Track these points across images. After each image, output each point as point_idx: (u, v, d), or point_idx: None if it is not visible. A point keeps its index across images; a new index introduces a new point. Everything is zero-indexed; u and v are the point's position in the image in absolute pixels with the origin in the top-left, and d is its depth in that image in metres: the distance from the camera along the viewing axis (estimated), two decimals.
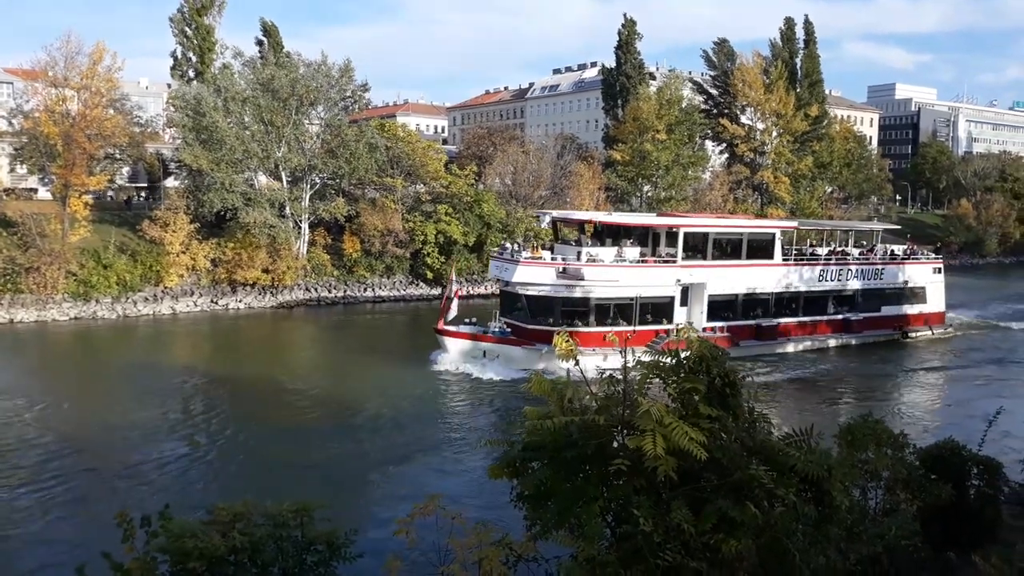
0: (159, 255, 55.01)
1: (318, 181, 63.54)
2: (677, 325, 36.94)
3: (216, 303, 56.09)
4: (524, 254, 38.99)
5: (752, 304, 42.31)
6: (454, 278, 39.51)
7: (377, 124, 69.94)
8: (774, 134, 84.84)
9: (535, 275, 37.56)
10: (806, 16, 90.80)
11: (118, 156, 60.53)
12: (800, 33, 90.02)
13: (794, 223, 49.84)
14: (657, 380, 7.13)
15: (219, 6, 66.39)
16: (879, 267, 47.33)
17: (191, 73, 66.20)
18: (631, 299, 38.40)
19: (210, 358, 42.29)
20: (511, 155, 70.41)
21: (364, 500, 23.02)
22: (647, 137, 75.10)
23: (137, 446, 27.10)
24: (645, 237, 41.75)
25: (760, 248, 43.11)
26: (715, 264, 41.15)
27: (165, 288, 55.36)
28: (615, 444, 6.88)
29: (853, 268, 46.20)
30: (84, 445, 27.01)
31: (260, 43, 71.10)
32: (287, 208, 60.13)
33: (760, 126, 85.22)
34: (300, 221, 61.25)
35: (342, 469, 25.12)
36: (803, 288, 43.87)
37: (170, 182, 70.78)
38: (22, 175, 66.21)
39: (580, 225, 43.56)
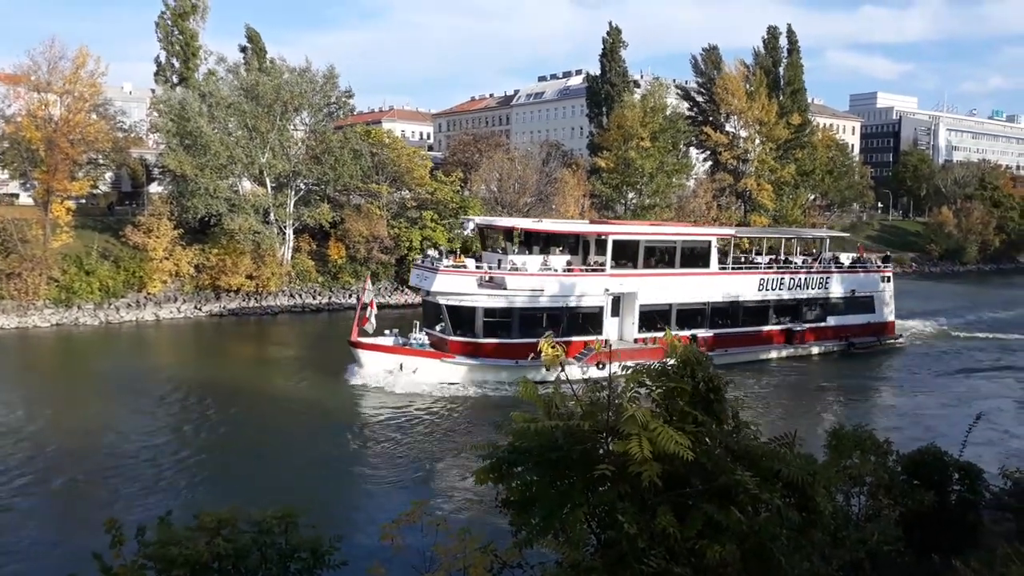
0: (142, 261, 54.66)
1: (303, 187, 63.40)
2: (606, 337, 36.71)
3: (200, 309, 55.77)
4: (445, 262, 37.38)
5: (687, 315, 40.87)
6: (370, 286, 37.28)
7: (362, 130, 69.92)
8: (757, 142, 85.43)
9: (455, 284, 36.06)
10: (789, 25, 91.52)
11: (101, 161, 60.16)
12: (783, 42, 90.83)
13: (731, 231, 48.48)
14: (643, 388, 7.15)
15: (202, 11, 66.29)
16: (823, 276, 46.09)
17: (175, 78, 65.98)
18: (558, 309, 37.09)
19: (191, 365, 41.96)
20: (497, 162, 70.54)
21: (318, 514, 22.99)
22: (631, 144, 75.40)
23: (116, 453, 26.88)
24: (576, 245, 40.50)
25: (695, 256, 41.89)
26: (647, 273, 39.82)
27: (148, 294, 54.97)
28: (600, 450, 6.90)
29: (795, 277, 44.90)
30: (64, 452, 26.82)
31: (244, 49, 70.98)
32: (271, 214, 59.95)
33: (743, 134, 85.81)
34: (285, 227, 61.07)
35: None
36: (742, 298, 42.56)
37: (154, 188, 70.39)
38: (3, 180, 65.67)
39: (506, 232, 41.77)
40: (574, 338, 36.39)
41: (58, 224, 52.20)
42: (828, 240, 51.75)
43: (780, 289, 44.07)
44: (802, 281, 44.99)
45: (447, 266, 36.68)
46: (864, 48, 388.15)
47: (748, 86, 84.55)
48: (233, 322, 54.88)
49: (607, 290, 38.18)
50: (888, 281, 49.06)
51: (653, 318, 39.40)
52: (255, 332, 52.81)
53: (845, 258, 49.50)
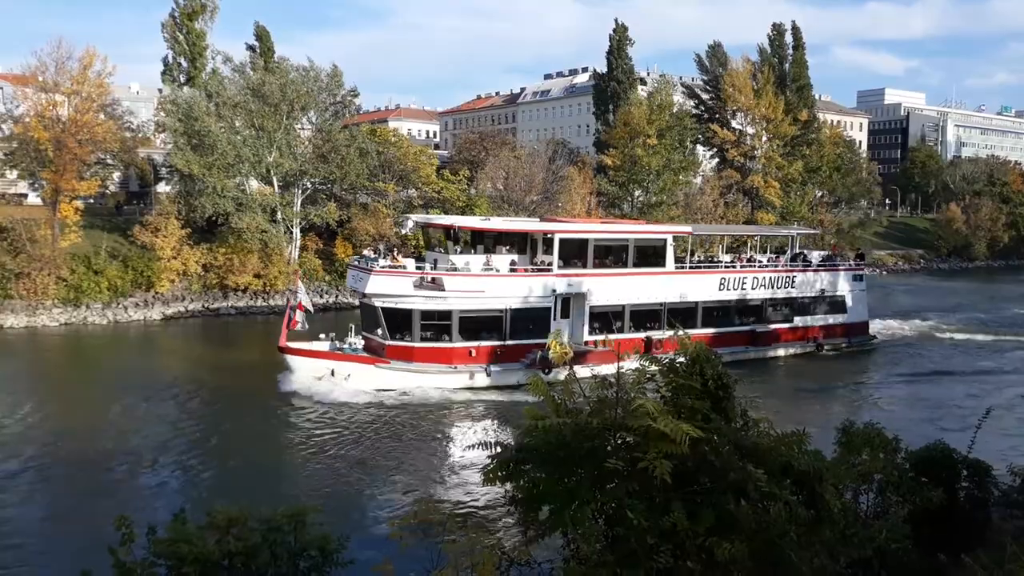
0: (150, 260, 54.83)
1: (309, 186, 63.49)
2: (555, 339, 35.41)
3: (208, 308, 55.92)
4: (382, 262, 35.42)
5: (642, 316, 39.19)
6: (299, 287, 35.20)
7: (368, 129, 69.96)
8: (764, 139, 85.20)
9: (391, 286, 34.27)
10: (794, 22, 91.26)
11: (109, 161, 60.36)
12: (789, 39, 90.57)
13: (688, 228, 46.72)
14: (651, 384, 7.16)
15: (211, 11, 66.40)
16: (790, 275, 44.24)
17: (182, 78, 66.11)
18: (500, 311, 35.42)
19: (197, 364, 41.89)
20: (503, 160, 70.49)
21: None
22: (638, 142, 75.28)
23: (123, 451, 26.98)
24: (524, 244, 38.63)
25: (649, 255, 40.27)
26: (597, 273, 38.20)
27: (156, 293, 55.15)
28: (608, 447, 6.92)
29: (760, 276, 43.09)
30: (73, 450, 26.86)
31: (252, 48, 71.05)
32: (279, 213, 60.07)
33: (750, 131, 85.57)
34: (291, 226, 61.18)
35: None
36: (702, 298, 40.86)
37: (161, 187, 70.60)
38: (12, 180, 65.93)
39: (447, 231, 39.47)
40: (518, 341, 35.36)
41: (66, 224, 52.36)
42: (797, 237, 50.12)
43: (743, 289, 42.37)
44: (767, 280, 43.23)
45: (383, 266, 34.85)
46: (870, 44, 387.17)
47: (754, 83, 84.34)
48: (241, 321, 55.01)
49: (554, 291, 36.62)
50: (861, 280, 47.35)
51: (605, 319, 38.08)
52: (262, 331, 52.85)
53: (816, 256, 47.89)
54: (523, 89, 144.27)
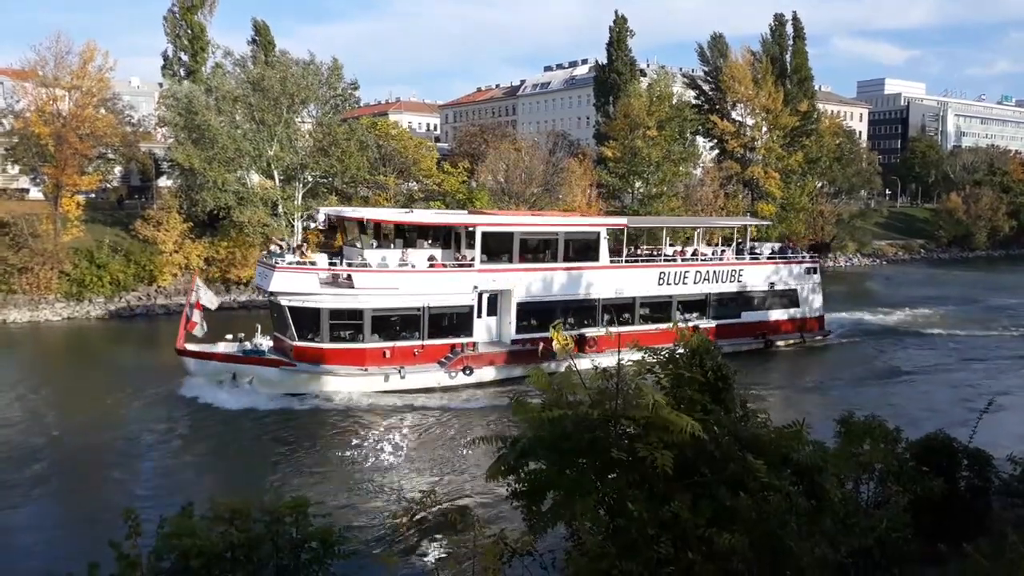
0: (152, 254, 54.91)
1: (310, 179, 63.39)
2: (476, 339, 34.62)
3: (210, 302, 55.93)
4: (289, 258, 33.41)
5: (574, 312, 37.67)
6: (197, 285, 32.81)
7: (369, 122, 69.81)
8: (764, 130, 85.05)
9: (297, 283, 32.07)
10: (795, 12, 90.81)
11: (110, 156, 60.36)
12: (789, 29, 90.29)
13: (623, 220, 44.45)
14: (650, 376, 7.18)
15: (210, 5, 66.28)
16: (736, 268, 42.41)
17: (183, 72, 66.04)
18: (417, 309, 33.58)
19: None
20: (503, 152, 70.36)
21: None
22: (638, 134, 75.18)
23: (126, 444, 27.24)
24: (448, 238, 36.94)
25: (582, 249, 38.41)
26: (523, 268, 36.35)
27: (159, 287, 55.26)
28: (610, 438, 6.95)
29: (703, 270, 41.29)
30: (76, 444, 27.02)
31: (253, 42, 70.94)
32: (280, 207, 60.04)
33: (750, 122, 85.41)
34: (293, 219, 61.15)
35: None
36: (639, 293, 39.17)
37: (163, 181, 70.58)
38: (13, 175, 65.94)
39: (360, 224, 37.16)
40: (437, 341, 33.87)
41: (68, 219, 52.39)
42: (749, 228, 48.42)
43: (684, 283, 40.62)
44: (710, 274, 41.45)
45: (290, 262, 32.80)
46: (869, 34, 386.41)
47: (755, 74, 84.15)
48: (244, 315, 55.03)
49: (475, 287, 34.84)
50: (815, 272, 45.40)
51: (534, 316, 36.33)
52: (266, 325, 52.99)
53: (767, 248, 46.26)
54: (523, 81, 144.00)
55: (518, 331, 35.92)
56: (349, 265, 33.48)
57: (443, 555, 8.17)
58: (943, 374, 39.13)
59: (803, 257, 46.41)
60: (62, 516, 21.62)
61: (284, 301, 32.15)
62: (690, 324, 38.10)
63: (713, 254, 43.94)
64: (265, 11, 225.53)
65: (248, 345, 33.24)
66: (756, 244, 46.80)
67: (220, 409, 29.89)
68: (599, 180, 75.69)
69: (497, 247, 36.41)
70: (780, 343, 43.03)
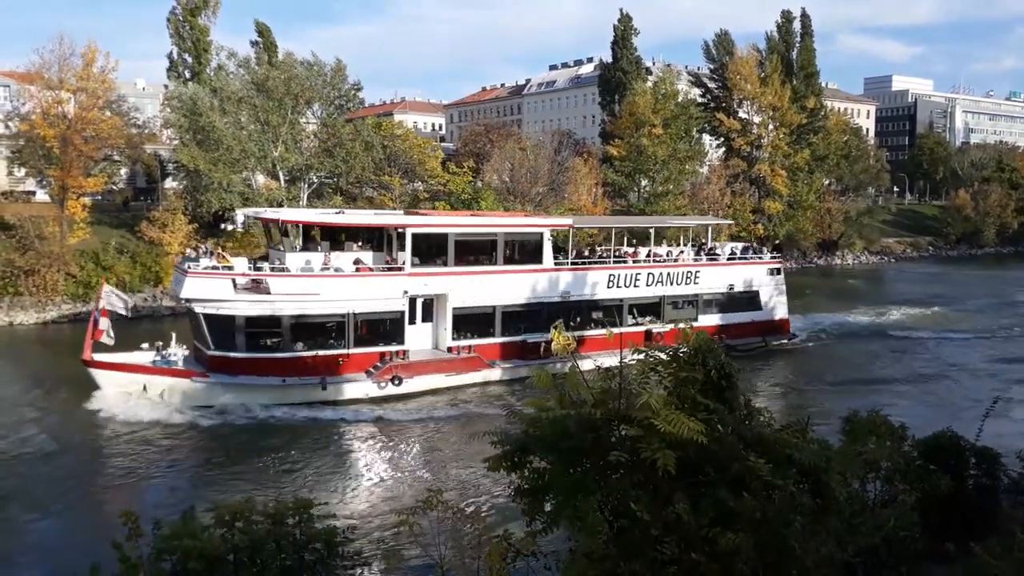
0: (158, 256, 55.05)
1: (315, 180, 63.55)
2: (408, 347, 32.85)
3: None
4: (204, 262, 31.48)
5: (516, 317, 35.80)
6: (104, 291, 30.83)
7: (373, 122, 69.92)
8: (770, 127, 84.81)
9: (210, 289, 30.17)
10: (803, 9, 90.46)
11: (116, 158, 60.56)
12: (797, 26, 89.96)
13: (568, 220, 42.42)
14: (654, 375, 7.12)
15: (213, 7, 66.39)
16: (692, 270, 40.64)
17: (187, 74, 66.20)
18: (342, 316, 31.70)
19: None
20: (508, 152, 70.37)
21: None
22: (643, 132, 75.07)
23: (129, 444, 27.07)
24: (380, 240, 35.07)
25: (524, 251, 36.82)
26: (459, 271, 34.50)
27: (164, 289, 55.35)
28: (613, 438, 6.90)
29: (656, 272, 39.49)
30: (79, 443, 27.12)
31: (256, 44, 71.09)
32: (285, 207, 60.13)
33: (756, 119, 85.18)
34: None
35: None
36: (588, 297, 37.63)
37: (168, 183, 70.80)
38: (20, 178, 66.20)
39: (281, 226, 35.05)
40: (364, 349, 32.05)
41: (74, 221, 52.58)
42: (711, 228, 47.00)
43: (636, 285, 38.93)
44: (664, 276, 39.72)
45: (206, 267, 30.95)
46: (876, 31, 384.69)
47: (761, 71, 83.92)
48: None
49: (406, 292, 33.05)
50: (778, 273, 43.68)
51: (472, 323, 34.90)
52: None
53: (727, 248, 44.64)
54: (528, 80, 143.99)
55: (455, 338, 34.23)
56: (272, 270, 31.73)
57: (447, 555, 8.12)
58: (915, 382, 36.90)
59: (762, 258, 44.80)
60: None
61: (198, 308, 30.46)
62: (641, 329, 37.32)
63: (668, 255, 42.16)
64: (271, 13, 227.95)
65: (166, 355, 31.36)
66: (717, 244, 45.45)
67: (126, 422, 28.10)
68: (605, 179, 75.61)
69: (430, 250, 34.56)
70: (740, 347, 39.39)
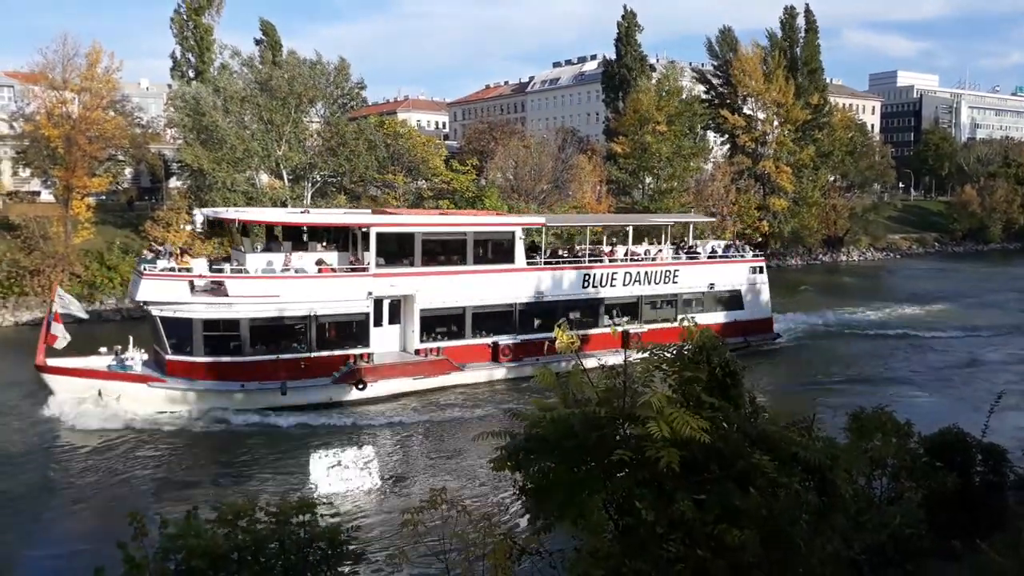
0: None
1: (319, 179, 63.61)
2: (372, 350, 31.97)
3: None
4: (161, 263, 30.35)
5: (488, 319, 34.89)
6: (59, 295, 30.15)
7: (377, 121, 69.94)
8: (775, 124, 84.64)
9: (167, 291, 29.23)
10: (807, 5, 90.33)
11: (120, 158, 60.68)
12: (800, 22, 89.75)
13: (541, 219, 41.11)
14: (658, 373, 7.10)
15: (217, 6, 66.52)
16: (671, 268, 39.56)
17: (191, 73, 66.32)
18: (303, 318, 30.68)
19: None
20: (512, 149, 70.34)
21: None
22: (647, 129, 74.98)
23: (132, 443, 27.07)
24: (345, 240, 33.96)
25: (495, 250, 35.92)
26: (426, 271, 33.51)
27: None
28: (617, 436, 6.88)
29: (633, 271, 38.52)
30: (79, 440, 27.01)
31: (259, 42, 71.17)
32: (289, 206, 60.23)
33: (761, 116, 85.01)
34: None
35: None
36: (562, 297, 36.49)
37: (173, 182, 70.93)
38: (25, 178, 66.40)
39: (241, 226, 33.84)
40: (327, 353, 30.95)
41: (79, 221, 52.72)
42: (692, 225, 45.38)
43: (612, 285, 37.91)
44: (641, 275, 38.71)
45: (163, 268, 30.00)
46: (880, 27, 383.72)
47: (765, 67, 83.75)
48: None
49: (370, 293, 32.07)
50: (761, 272, 42.53)
51: (441, 324, 33.91)
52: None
53: (708, 246, 43.63)
54: (532, 78, 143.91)
55: (423, 340, 33.25)
56: (232, 272, 30.81)
57: (452, 553, 8.11)
58: (896, 384, 35.41)
59: (745, 256, 43.54)
60: None
61: (155, 311, 29.48)
62: (619, 329, 36.79)
63: (646, 253, 40.94)
64: (274, 12, 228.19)
65: (123, 359, 30.39)
66: (698, 243, 44.59)
67: (77, 429, 27.28)
68: (609, 176, 75.55)
69: (396, 250, 33.62)
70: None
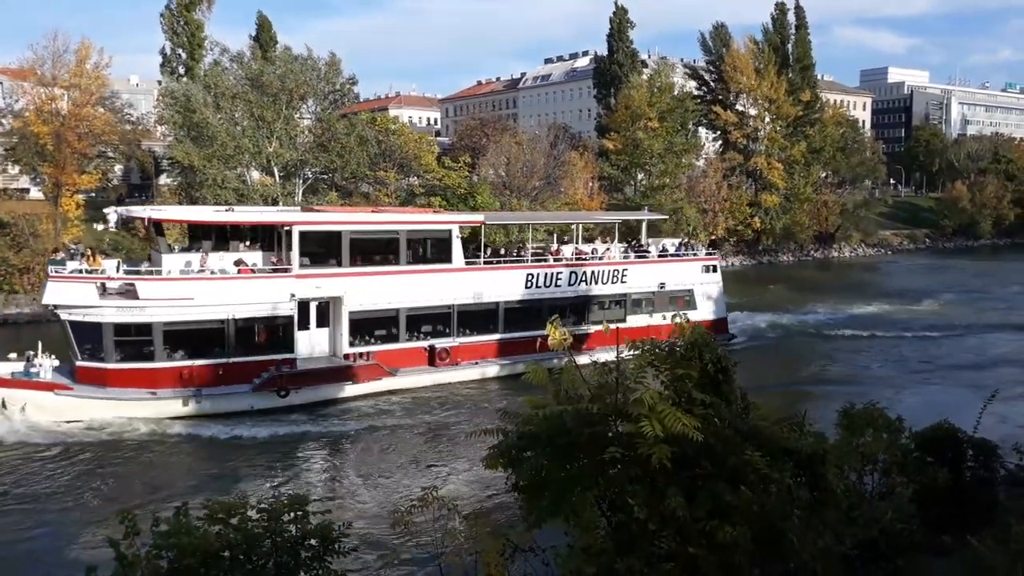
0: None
1: (310, 175, 63.49)
2: (296, 355, 30.36)
3: None
4: (71, 265, 28.75)
5: (423, 321, 33.49)
6: None
7: (368, 117, 69.80)
8: (766, 120, 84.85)
9: (74, 295, 27.74)
10: (796, 1, 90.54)
11: (110, 154, 60.41)
12: (791, 18, 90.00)
13: (480, 216, 39.40)
14: (650, 369, 7.10)
15: (208, 1, 66.23)
16: (619, 268, 38.29)
17: (181, 69, 66.07)
18: (220, 322, 29.14)
19: None
20: (504, 146, 70.29)
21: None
22: (639, 125, 75.08)
23: (130, 441, 26.96)
24: (270, 240, 32.42)
25: (431, 249, 34.66)
26: (355, 272, 31.98)
27: None
28: (609, 433, 6.88)
29: (579, 271, 37.08)
30: (79, 439, 26.87)
31: (256, 38, 70.86)
32: (280, 203, 60.09)
33: (752, 112, 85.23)
34: None
35: None
36: (503, 298, 35.05)
37: (163, 179, 70.67)
38: (14, 175, 66.07)
39: (156, 225, 32.26)
40: (248, 358, 29.38)
41: (68, 218, 52.49)
42: (645, 222, 44.52)
43: (557, 285, 36.54)
44: (587, 275, 37.29)
45: (72, 270, 28.42)
46: (871, 23, 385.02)
47: (757, 63, 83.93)
48: None
49: (293, 295, 30.47)
50: (714, 271, 41.45)
51: (373, 328, 32.40)
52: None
53: (664, 245, 42.29)
54: (524, 74, 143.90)
55: (353, 344, 31.69)
56: (148, 273, 29.51)
57: (444, 551, 8.10)
58: (849, 384, 33.95)
59: (697, 255, 42.29)
60: None
61: (64, 315, 28.01)
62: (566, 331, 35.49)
63: (593, 252, 39.50)
64: (265, 5, 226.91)
65: (34, 365, 28.62)
66: (651, 241, 43.29)
67: None
68: (601, 173, 75.59)
69: (322, 249, 32.18)
70: None
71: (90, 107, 54.19)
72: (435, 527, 8.00)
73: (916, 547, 9.00)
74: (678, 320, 7.44)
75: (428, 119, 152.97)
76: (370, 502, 21.66)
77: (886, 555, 8.41)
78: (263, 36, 70.16)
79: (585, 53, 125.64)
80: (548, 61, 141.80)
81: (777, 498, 6.43)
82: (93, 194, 62.60)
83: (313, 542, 7.65)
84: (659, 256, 40.88)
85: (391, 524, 8.41)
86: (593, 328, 35.53)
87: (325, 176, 64.66)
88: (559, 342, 7.32)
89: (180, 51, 66.74)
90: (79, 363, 28.14)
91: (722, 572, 6.25)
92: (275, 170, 60.72)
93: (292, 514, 7.70)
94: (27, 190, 65.78)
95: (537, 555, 7.82)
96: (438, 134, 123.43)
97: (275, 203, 59.60)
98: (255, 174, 61.99)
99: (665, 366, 6.91)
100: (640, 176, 78.17)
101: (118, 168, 67.23)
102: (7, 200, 59.28)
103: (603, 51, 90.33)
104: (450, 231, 34.61)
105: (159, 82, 71.08)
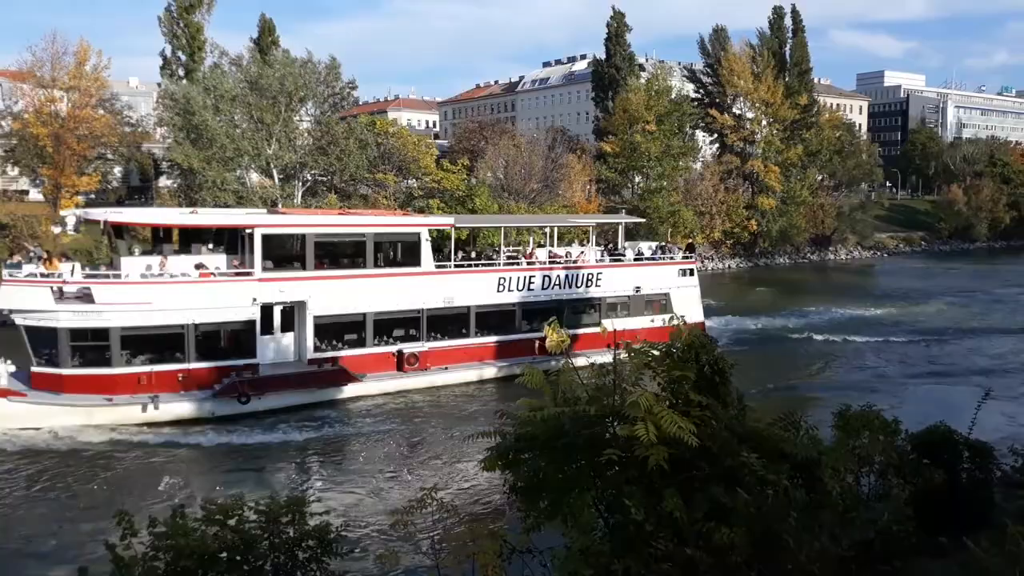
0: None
1: (309, 178, 63.48)
2: (259, 360, 29.78)
3: None
4: (28, 268, 28.44)
5: (391, 326, 32.98)
6: None
7: (367, 120, 69.84)
8: (764, 123, 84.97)
9: (28, 299, 27.33)
10: (794, 5, 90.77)
11: (109, 156, 60.39)
12: (788, 22, 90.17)
13: (449, 219, 38.73)
14: (647, 371, 7.13)
15: (208, 4, 66.19)
16: (594, 271, 37.86)
17: (181, 72, 66.01)
18: (180, 327, 28.51)
19: None
20: (502, 149, 70.33)
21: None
22: (637, 128, 75.15)
23: (129, 440, 26.89)
24: (233, 242, 31.70)
25: (399, 253, 34.33)
26: (320, 275, 31.42)
27: None
28: (607, 435, 6.90)
29: (552, 275, 36.67)
30: (77, 438, 26.80)
31: (257, 41, 70.72)
32: (279, 205, 60.06)
33: (750, 115, 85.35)
34: None
35: None
36: (474, 302, 34.62)
37: (162, 182, 70.62)
38: (13, 177, 66.05)
39: (115, 228, 31.33)
40: (208, 364, 28.83)
41: (67, 220, 52.41)
42: (621, 226, 44.03)
43: (530, 289, 36.11)
44: (560, 279, 36.96)
45: (28, 274, 28.06)
46: (868, 27, 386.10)
47: (754, 67, 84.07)
48: None
49: (255, 300, 29.82)
50: (691, 274, 41.00)
51: (338, 332, 31.89)
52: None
53: (636, 248, 41.96)
54: (522, 77, 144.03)
55: (318, 349, 31.14)
56: (102, 277, 28.96)
57: (441, 552, 8.11)
58: (844, 387, 33.45)
59: (677, 259, 41.56)
60: None
61: (18, 320, 27.52)
62: (536, 336, 34.03)
63: (567, 255, 39.14)
64: (265, 8, 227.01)
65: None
66: (627, 244, 42.89)
67: None
68: (598, 175, 75.64)
69: (285, 252, 31.79)
70: None
71: (89, 109, 54.25)
72: (434, 527, 8.02)
73: (912, 549, 9.02)
74: (676, 322, 7.46)
75: (427, 122, 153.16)
76: (341, 507, 20.67)
77: (883, 557, 8.43)
78: (265, 39, 70.00)
79: (583, 57, 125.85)
80: (546, 65, 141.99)
81: (774, 500, 6.45)
82: (93, 196, 62.61)
83: (310, 543, 7.67)
84: (635, 260, 40.49)
85: (390, 525, 8.40)
86: (570, 331, 33.75)
87: (324, 179, 64.68)
88: (557, 344, 7.35)
89: (180, 54, 66.62)
90: (34, 369, 27.60)
91: (719, 574, 6.27)
92: (274, 172, 60.71)
93: (289, 515, 7.72)
94: (26, 192, 65.75)
95: (534, 556, 7.83)
96: (437, 137, 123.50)
97: (274, 205, 59.63)
98: (254, 176, 61.96)
99: (662, 368, 6.94)
100: (637, 179, 78.23)
101: (117, 170, 67.18)
102: (6, 202, 59.24)
103: (601, 55, 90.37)
104: (419, 234, 33.99)
105: (159, 84, 70.99)
